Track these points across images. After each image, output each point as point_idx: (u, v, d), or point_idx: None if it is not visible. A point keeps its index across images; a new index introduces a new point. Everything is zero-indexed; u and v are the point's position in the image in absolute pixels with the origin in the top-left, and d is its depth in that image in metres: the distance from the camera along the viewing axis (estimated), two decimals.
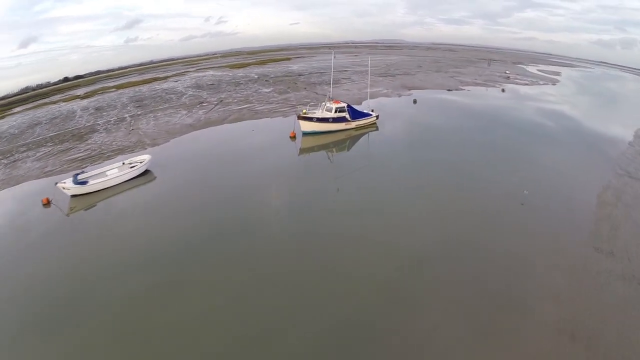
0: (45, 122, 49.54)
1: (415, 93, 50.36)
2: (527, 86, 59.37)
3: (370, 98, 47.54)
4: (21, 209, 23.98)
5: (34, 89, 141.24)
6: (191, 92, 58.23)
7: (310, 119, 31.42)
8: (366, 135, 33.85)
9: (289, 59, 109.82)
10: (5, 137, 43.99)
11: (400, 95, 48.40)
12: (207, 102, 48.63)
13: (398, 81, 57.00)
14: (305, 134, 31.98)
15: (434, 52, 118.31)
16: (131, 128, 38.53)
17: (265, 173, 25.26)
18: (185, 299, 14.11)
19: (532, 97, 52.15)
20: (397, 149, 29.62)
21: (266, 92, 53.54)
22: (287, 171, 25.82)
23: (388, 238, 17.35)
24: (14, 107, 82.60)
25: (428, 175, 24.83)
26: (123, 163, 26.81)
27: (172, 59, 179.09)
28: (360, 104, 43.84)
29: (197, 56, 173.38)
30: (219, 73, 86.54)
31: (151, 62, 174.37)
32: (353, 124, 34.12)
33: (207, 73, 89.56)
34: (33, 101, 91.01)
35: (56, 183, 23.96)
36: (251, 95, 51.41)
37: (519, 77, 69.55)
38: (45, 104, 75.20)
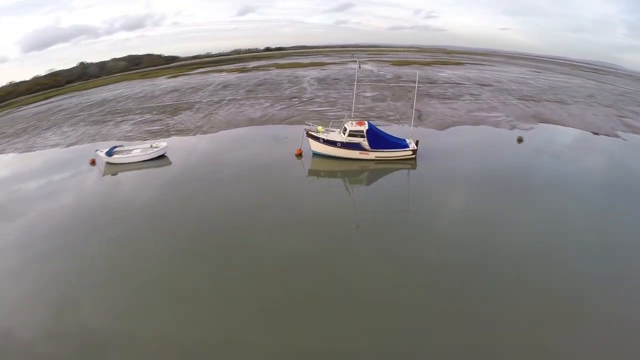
0: (182, 90, 64.11)
1: (541, 128, 40.58)
2: None
3: (473, 124, 41.81)
4: (80, 161, 33.72)
5: (242, 52, 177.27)
6: (305, 85, 63.61)
7: (317, 139, 30.25)
8: (393, 172, 29.75)
9: (461, 63, 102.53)
10: (144, 97, 59.39)
11: (513, 128, 40.16)
12: (297, 98, 52.68)
13: (535, 109, 46.93)
14: (315, 154, 31.32)
15: None
16: (209, 112, 46.26)
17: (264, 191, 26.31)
18: None
19: None
20: (437, 201, 24.68)
21: (365, 96, 53.50)
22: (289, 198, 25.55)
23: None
24: (199, 68, 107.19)
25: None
26: (151, 146, 33.53)
27: (375, 46, 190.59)
28: (444, 129, 39.22)
29: (400, 47, 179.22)
30: (369, 68, 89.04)
31: (355, 46, 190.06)
32: (372, 155, 29.88)
33: (361, 67, 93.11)
34: (216, 65, 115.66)
35: (96, 150, 32.49)
36: (345, 98, 52.43)
37: None
38: (214, 71, 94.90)
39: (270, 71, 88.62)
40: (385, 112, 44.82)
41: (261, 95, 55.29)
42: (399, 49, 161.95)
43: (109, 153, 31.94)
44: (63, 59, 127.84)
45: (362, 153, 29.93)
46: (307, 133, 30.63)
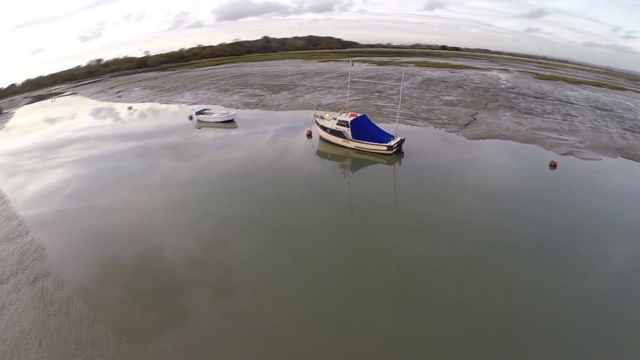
0: (306, 74, 77.69)
1: (609, 162, 34.24)
2: None
3: (521, 141, 40.52)
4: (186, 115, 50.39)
5: (420, 48, 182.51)
6: (411, 83, 68.28)
7: (317, 123, 37.65)
8: (372, 165, 33.80)
9: (623, 89, 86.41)
10: (274, 76, 75.14)
11: (569, 154, 37.23)
12: (379, 92, 59.12)
13: (632, 142, 40.59)
14: (320, 137, 38.76)
15: None
16: (298, 95, 57.91)
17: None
18: None
19: None
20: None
21: (442, 99, 55.87)
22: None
23: None
24: (358, 57, 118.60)
25: None
26: (228, 112, 47.36)
27: (564, 61, 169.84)
28: (476, 139, 40.46)
29: (591, 66, 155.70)
30: (499, 75, 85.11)
31: (543, 58, 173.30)
32: (352, 144, 35.20)
33: (498, 74, 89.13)
34: (376, 55, 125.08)
35: (191, 110, 48.57)
36: (421, 98, 55.99)
37: None
38: (363, 61, 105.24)
39: (402, 67, 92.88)
40: (438, 116, 47.52)
41: (355, 87, 63.61)
42: (569, 64, 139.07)
43: (198, 113, 47.58)
44: (251, 30, 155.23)
45: (344, 141, 36.04)
46: (315, 118, 38.94)
